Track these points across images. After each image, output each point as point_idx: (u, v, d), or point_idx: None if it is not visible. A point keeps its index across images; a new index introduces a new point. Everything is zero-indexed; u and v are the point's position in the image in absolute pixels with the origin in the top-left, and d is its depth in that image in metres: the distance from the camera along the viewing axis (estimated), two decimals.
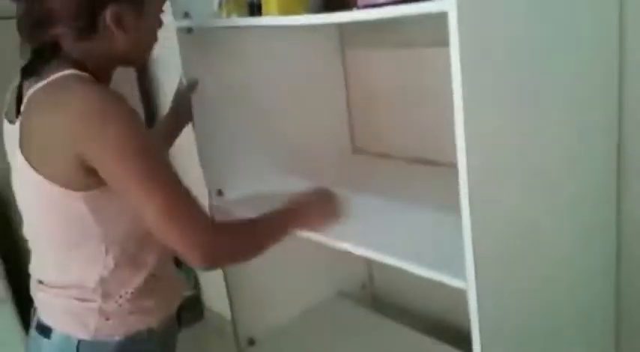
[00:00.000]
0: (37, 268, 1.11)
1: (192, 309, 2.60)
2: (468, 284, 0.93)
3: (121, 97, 0.94)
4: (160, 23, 1.10)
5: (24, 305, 2.32)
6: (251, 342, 1.69)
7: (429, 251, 1.06)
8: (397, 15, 0.87)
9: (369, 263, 1.93)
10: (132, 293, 1.05)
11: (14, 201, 1.06)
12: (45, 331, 1.07)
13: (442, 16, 0.80)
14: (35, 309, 1.12)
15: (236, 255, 1.05)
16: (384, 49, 1.63)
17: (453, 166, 0.89)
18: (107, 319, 1.05)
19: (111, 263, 1.02)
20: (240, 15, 1.32)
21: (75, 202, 0.96)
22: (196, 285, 2.70)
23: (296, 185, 1.36)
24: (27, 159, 0.96)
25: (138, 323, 1.07)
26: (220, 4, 1.36)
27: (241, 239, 1.04)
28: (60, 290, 1.05)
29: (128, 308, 1.06)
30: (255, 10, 1.27)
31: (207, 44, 1.44)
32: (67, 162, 0.92)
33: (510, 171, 0.95)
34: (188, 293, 1.41)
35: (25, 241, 1.10)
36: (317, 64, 1.69)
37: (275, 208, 1.13)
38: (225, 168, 1.52)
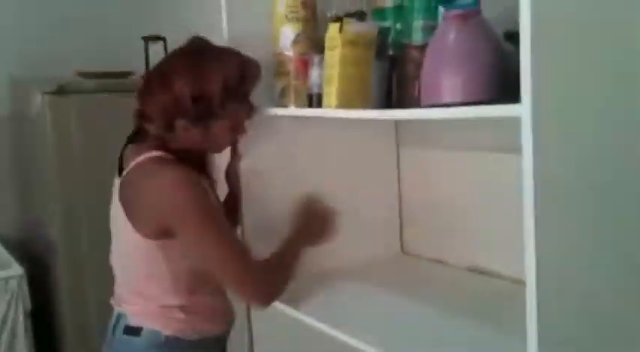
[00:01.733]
0: (121, 285, 1.40)
1: None
2: None
3: (191, 179, 1.25)
4: (239, 122, 1.34)
5: None
6: None
7: None
8: (467, 116, 0.83)
9: None
10: (188, 308, 1.33)
11: None
12: (135, 331, 1.33)
13: (513, 121, 0.77)
14: (119, 318, 1.37)
15: (280, 287, 1.31)
16: (442, 151, 1.58)
17: (516, 282, 0.80)
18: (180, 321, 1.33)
19: (173, 290, 1.32)
20: (299, 106, 1.31)
21: (150, 247, 1.28)
22: None
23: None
24: (123, 207, 1.28)
25: (191, 331, 1.35)
26: (282, 93, 1.36)
27: (278, 275, 1.31)
28: (145, 302, 1.34)
29: (188, 318, 1.33)
30: (315, 101, 1.26)
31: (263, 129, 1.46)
32: (150, 223, 1.26)
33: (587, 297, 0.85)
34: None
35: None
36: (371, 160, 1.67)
37: (283, 242, 1.35)
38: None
